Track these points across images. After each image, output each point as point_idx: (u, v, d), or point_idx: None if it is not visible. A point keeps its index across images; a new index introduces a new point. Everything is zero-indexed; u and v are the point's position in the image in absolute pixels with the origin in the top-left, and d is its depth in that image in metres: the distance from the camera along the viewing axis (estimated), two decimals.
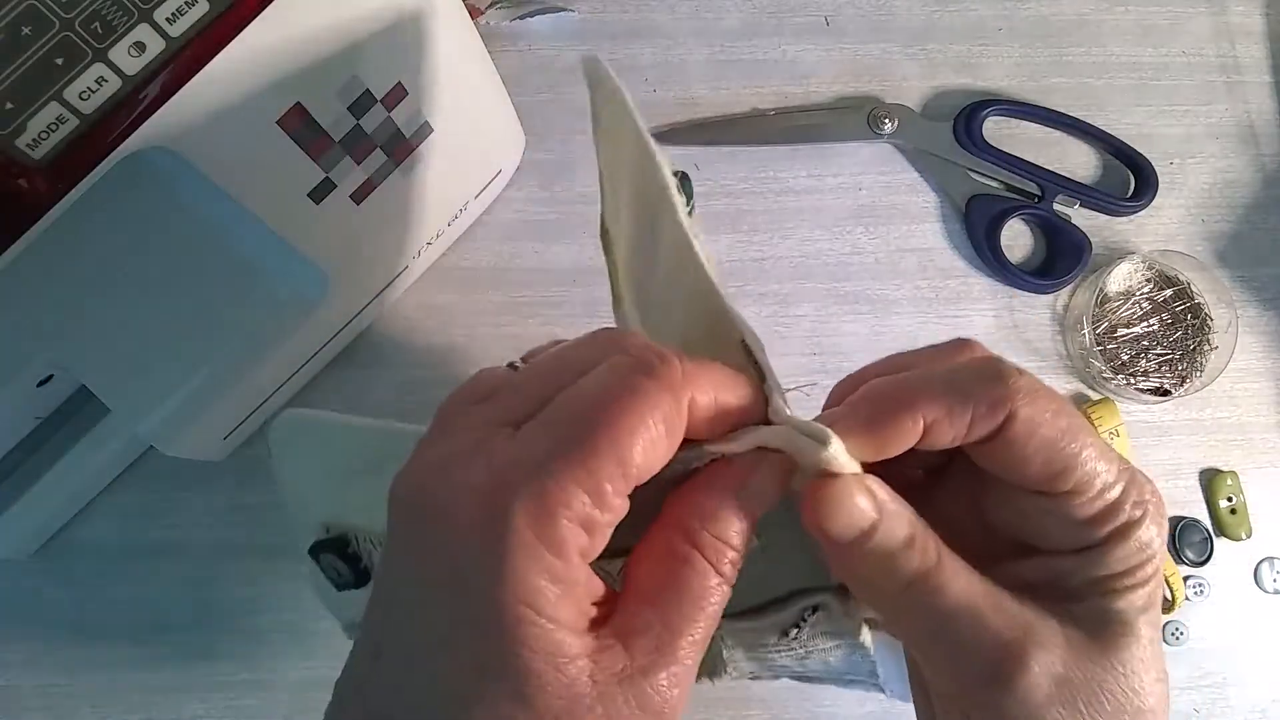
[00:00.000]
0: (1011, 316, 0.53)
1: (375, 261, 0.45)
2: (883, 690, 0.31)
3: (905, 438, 0.22)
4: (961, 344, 0.25)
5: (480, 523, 0.19)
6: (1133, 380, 0.51)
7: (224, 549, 0.48)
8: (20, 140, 0.26)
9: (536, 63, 0.52)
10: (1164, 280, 0.53)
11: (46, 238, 0.28)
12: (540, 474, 0.19)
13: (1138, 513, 0.22)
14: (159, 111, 0.28)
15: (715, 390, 0.22)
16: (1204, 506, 0.52)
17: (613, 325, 0.30)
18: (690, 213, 0.24)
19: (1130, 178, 0.54)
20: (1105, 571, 0.22)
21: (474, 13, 0.51)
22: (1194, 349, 0.52)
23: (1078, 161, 0.54)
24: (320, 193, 0.37)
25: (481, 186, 0.48)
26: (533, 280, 0.50)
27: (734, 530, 0.22)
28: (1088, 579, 0.22)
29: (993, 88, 0.54)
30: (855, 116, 0.52)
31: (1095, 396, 0.52)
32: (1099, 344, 0.51)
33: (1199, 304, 0.52)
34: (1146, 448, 0.52)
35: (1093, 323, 0.51)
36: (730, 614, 0.23)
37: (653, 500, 0.22)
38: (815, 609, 0.28)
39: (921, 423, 0.22)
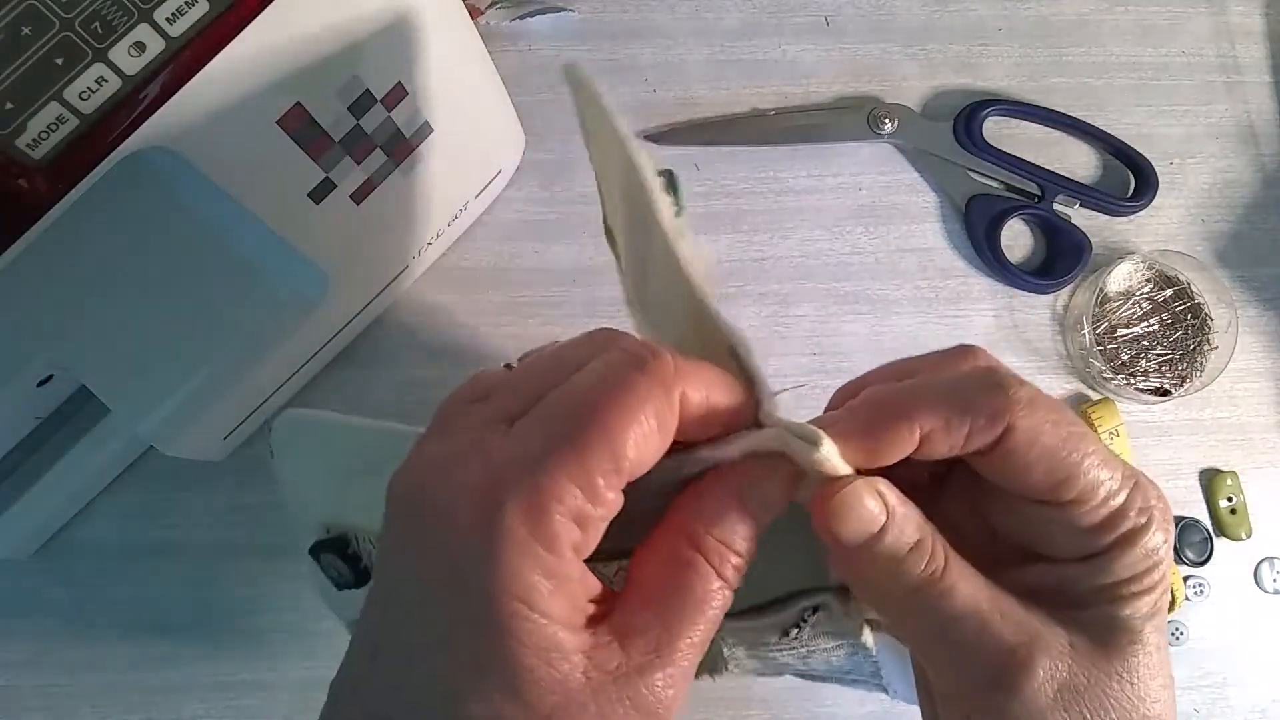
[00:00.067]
0: (1011, 316, 0.53)
1: (375, 261, 0.45)
2: (886, 691, 0.31)
3: (900, 446, 0.22)
4: (965, 351, 0.25)
5: (477, 521, 0.19)
6: (1133, 380, 0.51)
7: (224, 549, 0.48)
8: (20, 140, 0.26)
9: (536, 63, 0.52)
10: (1164, 280, 0.53)
11: (46, 238, 0.28)
12: (534, 469, 0.19)
13: (1143, 519, 0.22)
14: (159, 111, 0.28)
15: (707, 388, 0.22)
16: (1204, 506, 0.52)
17: (611, 326, 0.30)
18: (679, 213, 0.24)
19: (1130, 178, 0.54)
20: (1111, 579, 0.22)
21: (474, 13, 0.51)
22: (1194, 349, 0.52)
23: (1078, 161, 0.54)
24: (320, 193, 0.37)
25: (481, 186, 0.48)
26: (533, 280, 0.50)
27: (738, 535, 0.22)
28: (1093, 586, 0.22)
29: (993, 88, 0.54)
30: (855, 116, 0.52)
31: (1095, 396, 0.52)
32: (1099, 344, 0.51)
33: (1199, 304, 0.52)
34: (1146, 448, 0.52)
35: (1093, 323, 0.51)
36: (730, 613, 0.23)
37: (647, 508, 0.22)
38: (816, 609, 0.28)
39: (918, 432, 0.22)
